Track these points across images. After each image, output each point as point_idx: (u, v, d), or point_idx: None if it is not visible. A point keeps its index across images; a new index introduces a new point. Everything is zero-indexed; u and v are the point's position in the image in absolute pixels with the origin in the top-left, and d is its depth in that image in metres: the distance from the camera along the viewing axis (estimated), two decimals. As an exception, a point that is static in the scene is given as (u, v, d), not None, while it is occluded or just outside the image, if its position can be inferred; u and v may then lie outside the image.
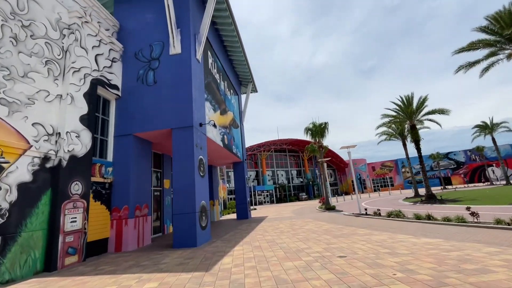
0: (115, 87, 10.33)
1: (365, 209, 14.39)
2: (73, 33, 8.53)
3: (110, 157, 9.99)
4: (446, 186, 50.07)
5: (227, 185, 52.03)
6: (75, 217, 7.73)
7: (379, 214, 12.91)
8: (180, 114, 9.99)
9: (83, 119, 8.48)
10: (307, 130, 22.31)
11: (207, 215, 10.06)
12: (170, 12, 10.19)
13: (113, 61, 10.40)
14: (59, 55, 8.12)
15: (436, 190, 39.94)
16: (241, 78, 21.84)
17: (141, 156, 10.54)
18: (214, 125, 10.70)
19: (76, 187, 7.90)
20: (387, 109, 27.48)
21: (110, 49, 10.29)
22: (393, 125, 30.05)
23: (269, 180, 57.46)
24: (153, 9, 11.25)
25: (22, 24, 7.08)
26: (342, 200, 36.02)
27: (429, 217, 9.80)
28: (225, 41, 16.61)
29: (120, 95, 10.59)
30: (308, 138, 23.53)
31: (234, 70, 20.13)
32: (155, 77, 10.57)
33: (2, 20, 6.60)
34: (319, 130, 21.83)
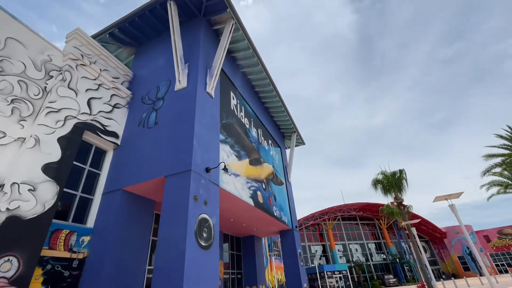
0: (112, 134, 8.68)
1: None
2: (62, 74, 7.55)
3: (91, 221, 7.48)
4: None
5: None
6: (-11, 320, 4.78)
7: None
8: (177, 155, 7.34)
9: (49, 168, 6.49)
10: (375, 182, 16.88)
11: (211, 319, 5.88)
12: (176, 43, 8.92)
13: (115, 106, 9.10)
14: (37, 95, 6.94)
15: None
16: (283, 129, 19.25)
17: (132, 220, 7.73)
18: (225, 169, 7.56)
19: (6, 266, 5.23)
20: (491, 146, 19.77)
21: (113, 95, 9.16)
22: (506, 171, 21.39)
23: (340, 257, 46.78)
24: (165, 51, 10.37)
25: (-12, 59, 6.19)
26: (453, 288, 24.71)
27: None
28: (256, 86, 14.93)
29: (118, 144, 8.82)
30: (380, 196, 17.75)
31: (272, 120, 17.85)
32: (157, 118, 8.67)
33: (-42, 52, 5.72)
34: (393, 182, 16.18)
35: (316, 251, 47.27)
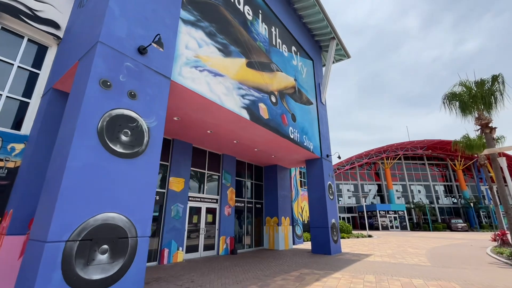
0: (48, 22, 6.66)
1: None
2: None
3: (27, 128, 6.16)
4: None
5: (340, 201, 42.41)
6: None
7: None
8: (91, 29, 4.94)
9: None
10: (450, 98, 11.86)
11: (119, 251, 4.12)
12: None
13: (50, -14, 6.87)
14: None
15: None
16: (318, 37, 14.69)
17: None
18: (158, 42, 4.86)
19: None
20: None
21: (45, -31, 6.82)
22: None
23: (398, 198, 42.62)
24: None
25: None
26: (550, 240, 19.13)
27: None
28: (268, -38, 10.58)
29: (61, 36, 6.85)
30: (455, 119, 12.74)
31: (301, 22, 13.45)
32: (90, -10, 6.16)
33: None
34: (480, 95, 10.95)
35: (370, 190, 43.93)
